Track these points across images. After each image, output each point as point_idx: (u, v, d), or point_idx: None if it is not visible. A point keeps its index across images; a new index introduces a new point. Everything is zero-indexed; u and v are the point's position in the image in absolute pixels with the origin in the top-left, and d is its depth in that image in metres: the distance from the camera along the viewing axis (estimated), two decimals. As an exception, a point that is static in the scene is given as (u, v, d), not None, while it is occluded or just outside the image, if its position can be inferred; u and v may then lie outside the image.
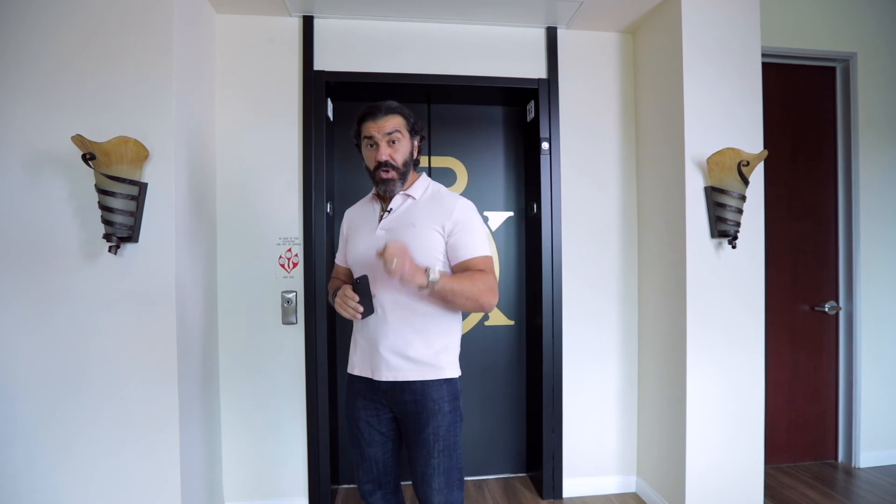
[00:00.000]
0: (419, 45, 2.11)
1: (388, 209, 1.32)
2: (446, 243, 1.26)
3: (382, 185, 1.29)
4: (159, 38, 1.60)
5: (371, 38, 2.09)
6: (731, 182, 1.77)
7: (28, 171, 1.56)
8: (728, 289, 1.87)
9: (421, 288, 1.15)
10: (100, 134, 1.52)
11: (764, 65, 1.99)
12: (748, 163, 1.74)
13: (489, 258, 1.27)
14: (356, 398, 1.33)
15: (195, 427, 1.75)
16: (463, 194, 2.30)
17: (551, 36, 2.16)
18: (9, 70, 1.56)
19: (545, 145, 2.14)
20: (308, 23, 2.03)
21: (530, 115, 2.26)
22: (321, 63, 2.05)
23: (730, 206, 1.79)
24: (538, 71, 2.17)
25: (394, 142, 1.27)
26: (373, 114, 1.28)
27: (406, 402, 1.25)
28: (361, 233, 1.35)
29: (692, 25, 1.86)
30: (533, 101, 2.21)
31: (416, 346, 1.24)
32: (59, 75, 1.57)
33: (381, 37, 2.09)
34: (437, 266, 1.22)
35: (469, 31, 2.14)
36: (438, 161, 2.31)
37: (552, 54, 2.16)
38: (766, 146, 1.91)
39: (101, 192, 1.51)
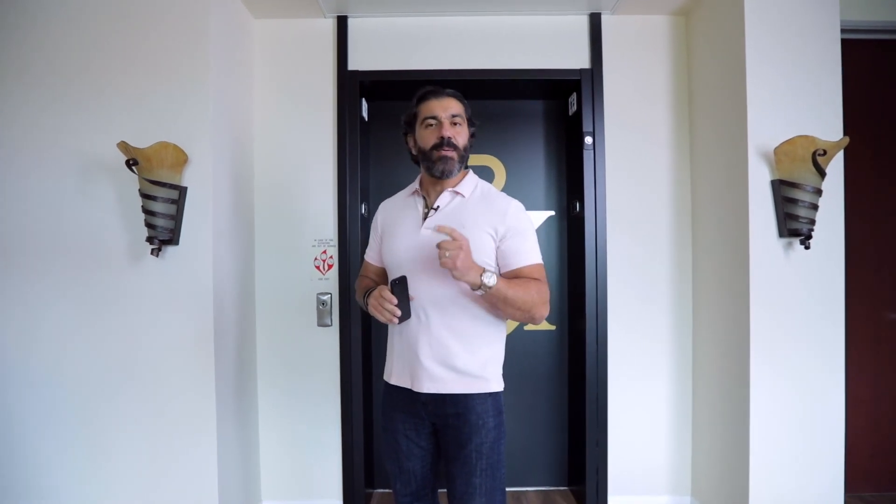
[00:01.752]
0: (454, 39, 2.04)
1: (435, 206, 1.23)
2: (497, 248, 1.18)
3: (441, 163, 1.19)
4: (196, 45, 1.64)
5: (404, 35, 2.04)
6: (804, 174, 1.57)
7: (78, 178, 1.65)
8: (800, 294, 1.66)
9: (474, 288, 1.08)
10: (142, 140, 1.57)
11: (844, 41, 1.75)
12: (825, 152, 1.53)
13: (542, 266, 1.20)
14: (394, 410, 1.26)
15: (232, 426, 1.78)
16: (500, 193, 2.24)
17: (595, 23, 2.02)
18: (58, 82, 1.64)
19: (588, 140, 2.01)
20: (342, 23, 2.02)
21: (572, 109, 2.13)
22: (355, 63, 2.03)
23: (802, 202, 1.58)
24: (580, 61, 2.04)
25: (456, 124, 1.22)
26: (436, 93, 1.23)
27: (448, 415, 1.18)
28: (401, 230, 1.26)
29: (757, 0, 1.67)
30: (575, 94, 2.08)
31: (460, 356, 1.17)
32: (103, 84, 1.65)
33: (415, 33, 2.04)
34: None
35: (506, 23, 2.04)
36: (475, 159, 2.23)
37: (596, 42, 2.02)
38: (846, 132, 1.67)
39: (144, 196, 1.56)
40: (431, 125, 1.21)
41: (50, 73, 1.64)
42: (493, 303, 1.13)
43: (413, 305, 1.17)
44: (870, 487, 2.13)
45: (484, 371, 1.19)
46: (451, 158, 1.19)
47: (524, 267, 1.17)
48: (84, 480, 1.64)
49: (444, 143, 1.18)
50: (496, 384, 1.21)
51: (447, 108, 1.21)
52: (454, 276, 1.06)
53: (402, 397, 1.24)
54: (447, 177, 1.21)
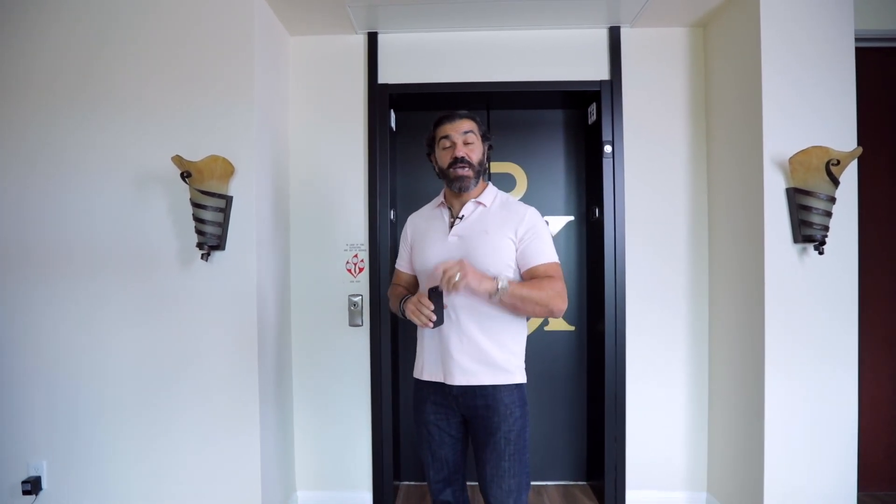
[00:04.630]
0: (478, 53, 2.14)
1: (460, 216, 1.35)
2: (517, 250, 1.30)
3: (458, 181, 1.32)
4: (243, 64, 1.76)
5: (431, 50, 2.15)
6: (818, 183, 1.63)
7: (135, 188, 1.78)
8: (814, 297, 1.72)
9: (491, 295, 1.20)
10: (191, 152, 1.70)
11: (858, 50, 1.80)
12: (838, 162, 1.60)
13: (558, 264, 1.30)
14: (425, 403, 1.37)
15: (272, 418, 1.90)
16: (522, 199, 2.30)
17: (614, 36, 2.10)
18: (116, 101, 1.79)
19: (608, 148, 2.09)
20: (373, 39, 2.13)
21: (592, 118, 2.21)
22: (385, 76, 2.14)
23: (816, 209, 1.65)
24: (600, 73, 2.12)
25: (469, 142, 1.33)
26: (450, 117, 1.36)
27: (478, 406, 1.29)
28: (430, 240, 1.38)
29: (772, 12, 1.73)
30: (595, 104, 2.16)
31: (489, 350, 1.28)
32: (157, 102, 1.79)
33: (441, 48, 2.15)
34: (508, 273, 1.28)
35: (528, 37, 2.13)
36: (498, 167, 2.33)
37: (615, 55, 2.10)
38: (861, 142, 1.73)
39: (195, 205, 1.69)
40: (447, 146, 1.34)
41: (98, 88, 1.79)
42: (513, 304, 1.23)
43: (447, 307, 1.28)
44: (886, 486, 2.17)
45: (509, 364, 1.30)
46: (466, 177, 1.32)
47: (540, 265, 1.28)
48: (139, 467, 1.79)
49: (458, 161, 1.31)
50: (520, 376, 1.32)
51: (459, 129, 1.33)
52: (472, 289, 1.19)
53: (434, 391, 1.35)
54: (465, 191, 1.34)
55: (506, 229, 1.29)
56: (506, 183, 2.33)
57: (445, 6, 1.93)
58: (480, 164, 1.35)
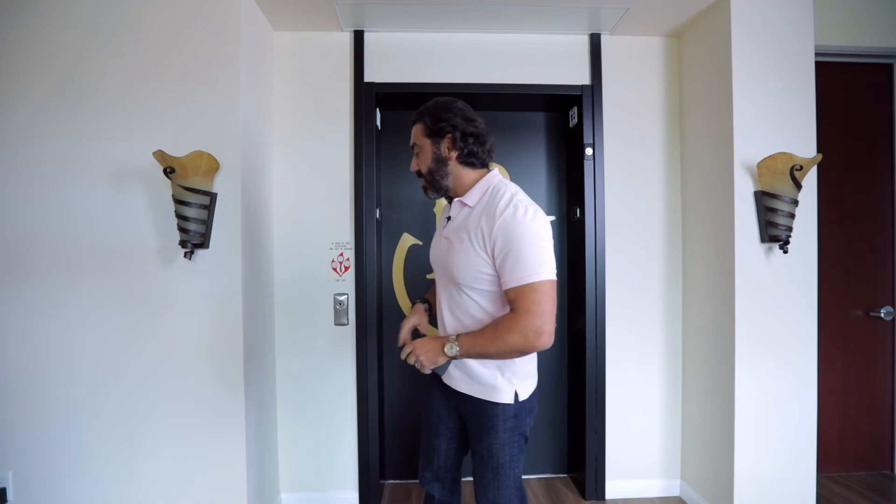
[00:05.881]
0: (464, 55, 2.17)
1: (449, 217, 1.28)
2: (496, 263, 1.12)
3: (425, 193, 1.30)
4: (228, 59, 1.72)
5: (418, 50, 2.16)
6: (783, 186, 1.75)
7: (112, 184, 1.71)
8: (779, 294, 1.85)
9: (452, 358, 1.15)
10: (172, 146, 1.65)
11: (819, 64, 1.94)
12: (801, 167, 1.72)
13: (534, 286, 1.06)
14: (433, 387, 1.35)
15: (256, 421, 1.87)
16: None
17: (595, 42, 2.18)
18: (90, 91, 1.71)
19: (589, 151, 2.16)
20: (359, 37, 2.12)
21: (573, 121, 2.29)
22: (371, 75, 2.14)
23: (781, 211, 1.77)
24: (581, 77, 2.19)
25: (416, 153, 1.27)
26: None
27: (468, 411, 1.25)
28: (435, 238, 1.36)
29: (741, 27, 1.85)
30: (576, 107, 2.24)
31: (471, 364, 1.20)
32: (135, 93, 1.71)
33: (427, 48, 2.16)
34: (482, 284, 1.15)
35: (513, 40, 2.18)
36: (481, 167, 2.36)
37: (595, 60, 2.18)
38: (820, 148, 1.87)
39: (178, 202, 1.63)
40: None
41: (82, 83, 1.70)
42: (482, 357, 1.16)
43: (438, 299, 1.30)
44: (838, 468, 2.35)
45: (496, 381, 1.17)
46: (424, 188, 1.27)
47: (510, 290, 1.09)
48: (122, 473, 1.71)
49: (418, 175, 1.28)
50: (506, 395, 1.17)
51: (412, 141, 1.27)
52: (433, 363, 1.15)
53: (440, 379, 1.30)
54: (437, 198, 1.29)
55: (478, 239, 1.13)
56: (490, 183, 2.36)
57: (432, 7, 1.95)
58: (431, 170, 1.23)
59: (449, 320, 1.25)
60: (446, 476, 1.37)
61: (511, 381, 1.18)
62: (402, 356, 1.19)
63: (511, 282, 1.09)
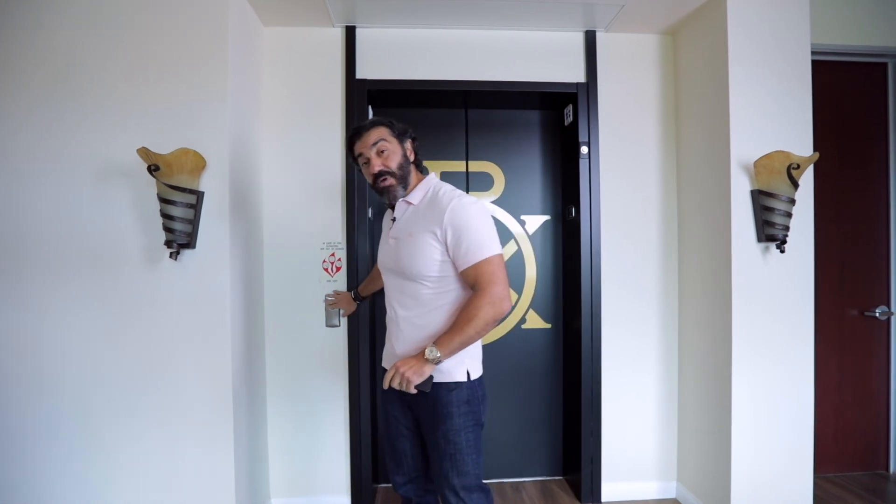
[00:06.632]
0: (457, 51, 2.14)
1: (394, 218, 1.36)
2: (449, 251, 1.23)
3: (385, 194, 1.32)
4: (216, 54, 1.67)
5: (411, 46, 2.12)
6: (780, 185, 1.74)
7: (96, 182, 1.66)
8: (776, 294, 1.83)
9: (437, 363, 1.19)
10: (158, 144, 1.60)
11: (816, 63, 1.93)
12: (798, 166, 1.70)
13: (489, 260, 1.20)
14: (387, 393, 1.37)
15: (245, 424, 1.82)
16: (500, 198, 2.35)
17: (590, 39, 2.15)
18: (72, 86, 1.65)
19: (584, 149, 2.14)
20: (350, 33, 2.08)
21: (568, 119, 2.26)
22: (363, 72, 2.10)
23: (778, 210, 1.75)
24: (576, 75, 2.17)
25: (382, 151, 1.30)
26: (358, 133, 1.34)
27: (419, 402, 1.29)
28: (381, 241, 1.46)
29: (738, 25, 1.82)
30: (571, 105, 2.21)
31: (421, 347, 1.24)
32: (119, 89, 1.66)
33: (421, 44, 2.13)
34: (433, 270, 1.24)
35: (507, 37, 2.15)
36: (475, 166, 2.33)
37: (591, 58, 2.15)
38: (816, 147, 1.86)
39: (163, 200, 1.59)
40: (365, 164, 1.33)
41: (64, 78, 1.65)
42: (462, 348, 1.21)
43: (388, 300, 1.37)
44: (834, 468, 2.34)
45: (445, 363, 1.23)
46: (390, 186, 1.31)
47: (468, 268, 1.20)
48: (106, 477, 1.66)
49: (379, 175, 1.30)
50: (459, 375, 1.26)
51: (368, 143, 1.31)
52: (420, 376, 1.18)
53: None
54: (396, 200, 1.33)
55: (428, 229, 1.24)
56: (483, 182, 2.34)
57: (425, 3, 1.91)
58: (402, 167, 1.31)
59: (402, 312, 1.31)
60: (417, 476, 1.42)
61: (463, 360, 1.27)
62: (385, 383, 1.22)
63: (468, 262, 1.21)
